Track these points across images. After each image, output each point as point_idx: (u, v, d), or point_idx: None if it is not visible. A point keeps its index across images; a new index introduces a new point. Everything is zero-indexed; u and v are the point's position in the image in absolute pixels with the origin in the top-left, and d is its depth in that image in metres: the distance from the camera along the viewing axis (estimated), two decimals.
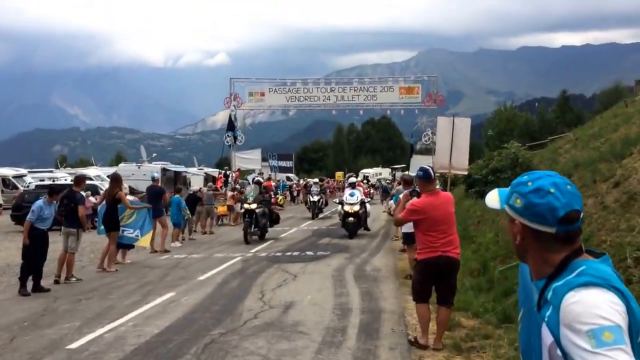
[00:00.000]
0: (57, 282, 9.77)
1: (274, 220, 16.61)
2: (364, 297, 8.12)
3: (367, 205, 17.15)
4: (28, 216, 9.02)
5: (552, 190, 1.48)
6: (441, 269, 5.47)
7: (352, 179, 19.28)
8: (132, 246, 12.10)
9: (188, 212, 15.90)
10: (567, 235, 1.48)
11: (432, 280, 5.59)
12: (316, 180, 29.68)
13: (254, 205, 15.22)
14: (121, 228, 11.41)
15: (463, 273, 8.09)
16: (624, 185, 7.07)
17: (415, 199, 8.54)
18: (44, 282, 9.30)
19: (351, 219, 15.66)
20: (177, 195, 15.91)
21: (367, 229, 16.70)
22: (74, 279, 10.01)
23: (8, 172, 30.52)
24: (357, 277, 9.75)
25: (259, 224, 15.33)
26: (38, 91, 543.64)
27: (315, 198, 23.65)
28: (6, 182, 28.81)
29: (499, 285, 7.00)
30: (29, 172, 33.73)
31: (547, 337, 1.44)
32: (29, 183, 27.90)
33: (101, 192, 19.78)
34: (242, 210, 16.27)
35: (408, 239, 9.79)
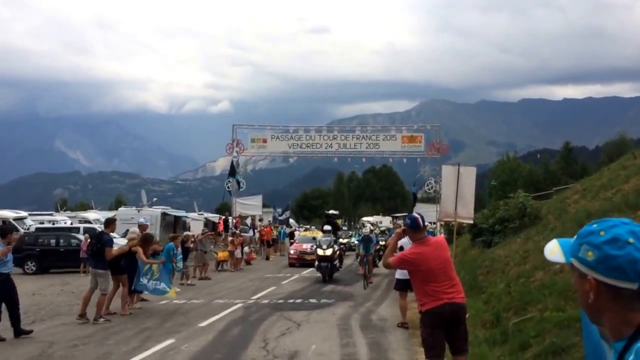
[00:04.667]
0: (82, 317, 9.89)
1: None
2: (372, 348, 7.82)
3: None
4: None
5: (631, 240, 1.28)
6: (449, 317, 5.22)
7: None
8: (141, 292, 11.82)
9: (178, 263, 15.58)
10: None
11: (443, 331, 5.32)
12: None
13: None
14: (152, 281, 11.35)
15: (475, 325, 7.84)
16: None
17: (406, 243, 8.35)
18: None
19: None
20: (170, 243, 15.80)
21: None
22: (102, 319, 9.91)
23: (9, 214, 30.32)
24: (363, 327, 9.45)
25: None
26: (41, 135, 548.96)
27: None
28: (6, 224, 28.58)
29: (514, 338, 6.73)
30: (30, 214, 33.54)
31: None
32: (29, 225, 27.68)
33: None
34: (245, 257, 15.73)
35: (399, 285, 9.57)
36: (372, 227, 24.77)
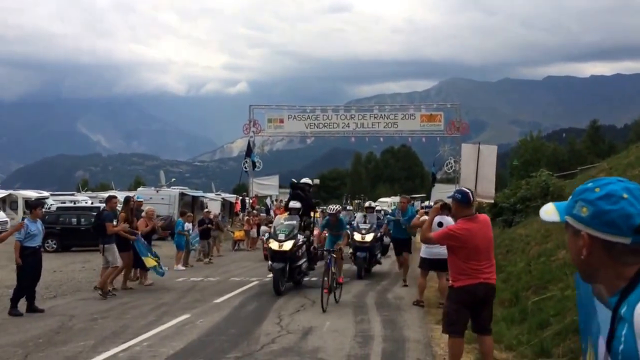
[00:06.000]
0: (111, 293, 10.25)
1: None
2: (387, 325, 7.75)
3: None
4: (15, 236, 8.77)
5: (625, 195, 1.30)
6: (481, 297, 5.14)
7: None
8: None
9: (194, 241, 15.64)
10: None
11: (469, 309, 5.21)
12: None
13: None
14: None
15: (494, 303, 7.70)
16: None
17: (445, 219, 8.14)
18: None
19: None
20: (179, 219, 16.11)
21: None
22: (99, 291, 10.09)
23: (31, 194, 31.00)
24: (378, 305, 9.38)
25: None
26: (64, 118, 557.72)
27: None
28: (29, 203, 29.15)
29: (533, 316, 6.59)
30: (51, 194, 34.23)
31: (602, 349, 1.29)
32: (50, 205, 28.19)
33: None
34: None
35: (424, 264, 9.39)
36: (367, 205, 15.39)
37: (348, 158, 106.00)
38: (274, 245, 10.56)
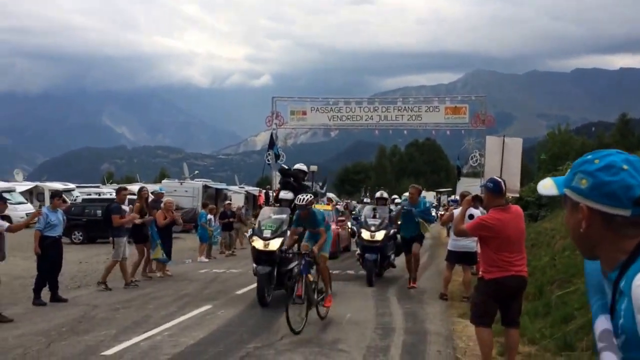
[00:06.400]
0: (128, 285, 10.28)
1: None
2: (408, 318, 7.70)
3: None
4: (35, 226, 8.86)
5: (625, 166, 1.28)
6: (512, 289, 5.09)
7: None
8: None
9: (211, 230, 15.70)
10: None
11: (499, 301, 5.16)
12: None
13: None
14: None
15: None
16: None
17: (476, 211, 8.02)
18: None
19: None
20: (202, 211, 16.25)
21: None
22: (102, 286, 10.05)
23: (58, 186, 31.67)
24: (400, 298, 9.32)
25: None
26: (89, 111, 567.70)
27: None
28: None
29: (557, 310, 6.46)
30: (77, 187, 34.93)
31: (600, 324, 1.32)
32: (76, 197, 28.80)
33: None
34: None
35: (450, 256, 9.30)
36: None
37: (372, 151, 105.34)
38: (258, 244, 8.67)
